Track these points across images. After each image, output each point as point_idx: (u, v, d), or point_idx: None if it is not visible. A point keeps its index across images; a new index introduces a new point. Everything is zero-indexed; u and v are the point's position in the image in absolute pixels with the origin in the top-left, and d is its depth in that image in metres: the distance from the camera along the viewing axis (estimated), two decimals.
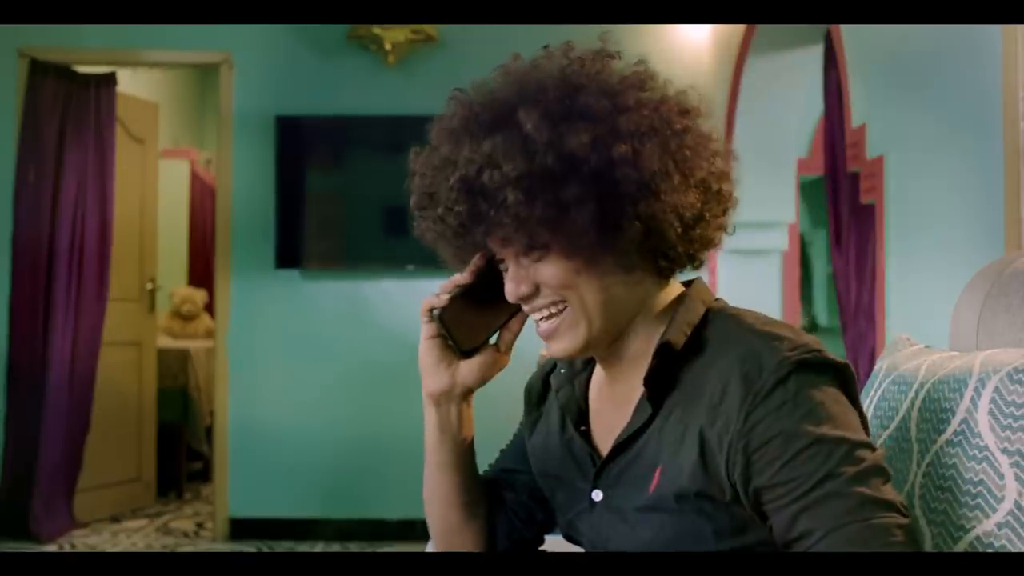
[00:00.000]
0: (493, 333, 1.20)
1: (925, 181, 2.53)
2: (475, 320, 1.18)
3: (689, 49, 4.47)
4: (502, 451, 1.37)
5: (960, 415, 1.10)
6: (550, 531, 1.32)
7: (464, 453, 1.24)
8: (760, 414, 0.98)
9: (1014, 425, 1.04)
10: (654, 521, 1.05)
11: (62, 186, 4.41)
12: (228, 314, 4.49)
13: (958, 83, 2.31)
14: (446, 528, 1.27)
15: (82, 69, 4.53)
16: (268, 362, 4.50)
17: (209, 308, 5.87)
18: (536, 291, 1.09)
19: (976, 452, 1.07)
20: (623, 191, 1.02)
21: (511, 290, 1.10)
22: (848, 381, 1.02)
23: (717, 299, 1.13)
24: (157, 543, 4.34)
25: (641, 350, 1.11)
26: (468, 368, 1.19)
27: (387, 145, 4.56)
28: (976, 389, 1.09)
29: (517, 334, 1.20)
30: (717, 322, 1.09)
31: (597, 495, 1.13)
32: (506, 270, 1.12)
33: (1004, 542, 1.02)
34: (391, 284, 4.50)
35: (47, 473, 4.35)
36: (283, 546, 4.33)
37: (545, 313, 1.10)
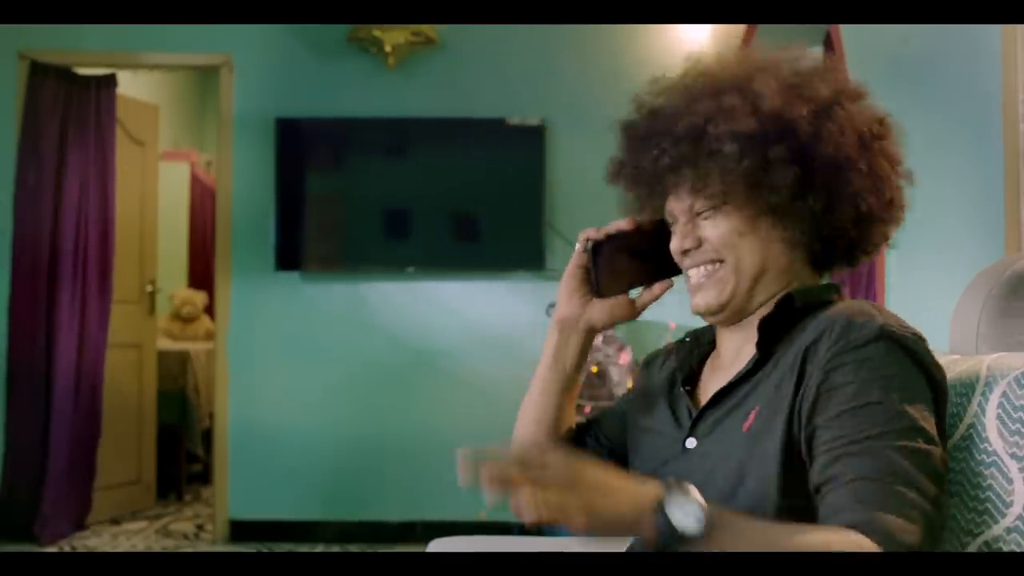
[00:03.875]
0: (634, 288, 1.28)
1: (925, 183, 2.53)
2: (622, 269, 1.26)
3: (689, 50, 4.46)
4: (602, 411, 1.46)
5: (967, 419, 1.10)
6: None
7: (567, 385, 1.32)
8: (844, 359, 1.03)
9: (1023, 430, 1.04)
10: (740, 458, 1.08)
11: (63, 188, 4.40)
12: (228, 316, 4.48)
13: (958, 85, 2.32)
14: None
15: (82, 71, 4.53)
16: (268, 364, 4.49)
17: (209, 310, 5.86)
18: (699, 246, 1.17)
19: (984, 457, 1.06)
20: (820, 165, 1.11)
21: (676, 244, 1.19)
22: (936, 385, 1.05)
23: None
24: (157, 545, 4.33)
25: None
26: (599, 307, 1.28)
27: (387, 147, 4.56)
28: (983, 393, 1.09)
29: (657, 298, 1.28)
30: (848, 303, 1.14)
31: (691, 443, 1.18)
32: (675, 228, 1.20)
33: (1013, 547, 1.02)
34: (391, 286, 4.50)
35: (53, 477, 4.34)
36: (283, 548, 4.32)
37: (701, 270, 1.18)
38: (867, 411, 1.00)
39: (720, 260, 1.16)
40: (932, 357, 1.06)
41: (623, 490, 0.94)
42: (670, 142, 1.15)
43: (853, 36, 2.97)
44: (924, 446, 0.98)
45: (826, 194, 1.12)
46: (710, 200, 1.15)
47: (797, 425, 1.05)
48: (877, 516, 0.93)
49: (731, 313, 1.18)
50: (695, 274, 1.19)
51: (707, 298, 1.17)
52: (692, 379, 1.26)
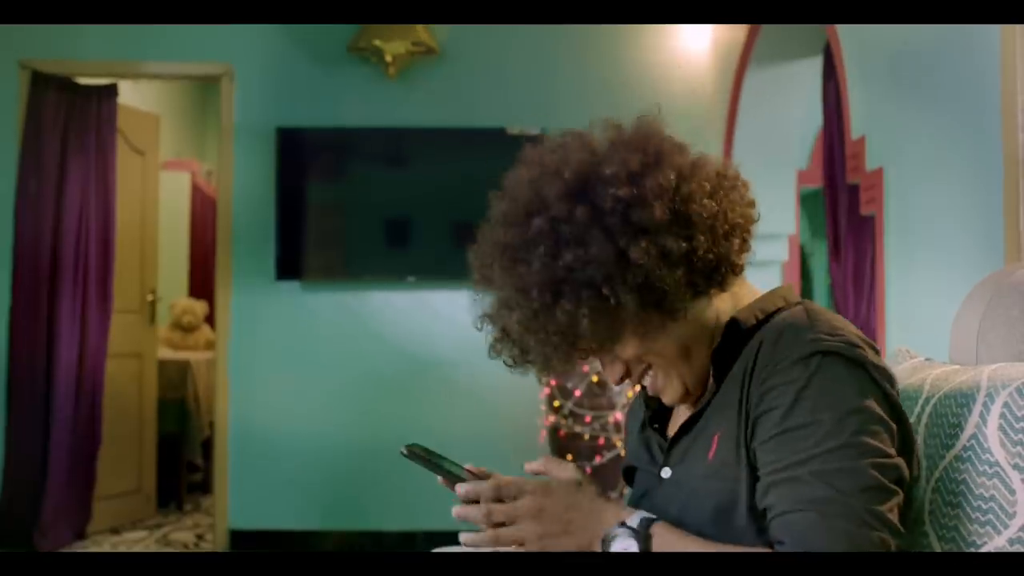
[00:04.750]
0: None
1: (925, 192, 2.53)
2: None
3: (689, 60, 4.48)
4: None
5: (969, 430, 1.10)
6: None
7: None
8: (774, 382, 1.05)
9: None
10: (711, 488, 1.11)
11: (64, 198, 4.41)
12: (229, 325, 4.49)
13: (957, 94, 2.32)
14: None
15: (83, 81, 4.54)
16: (269, 373, 4.49)
17: (209, 320, 5.86)
18: (626, 369, 1.19)
19: (986, 468, 1.06)
20: (642, 252, 1.07)
21: (612, 379, 1.21)
22: (880, 388, 1.05)
23: (803, 300, 1.19)
24: None
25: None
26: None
27: (388, 157, 4.57)
28: (985, 404, 1.08)
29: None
30: (789, 311, 1.16)
31: (666, 472, 1.21)
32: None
33: None
34: (392, 295, 4.50)
35: (54, 486, 4.33)
36: None
37: (645, 381, 1.21)
38: (794, 435, 1.02)
39: (648, 365, 1.18)
40: (870, 360, 1.06)
41: (574, 533, 1.10)
42: (517, 340, 1.14)
43: (852, 48, 2.97)
44: (852, 463, 0.99)
45: (630, 286, 1.08)
46: (594, 341, 1.13)
47: (747, 448, 1.08)
48: (806, 547, 0.98)
49: (696, 389, 1.20)
50: (646, 384, 1.22)
51: (670, 397, 1.21)
52: (663, 414, 1.29)
